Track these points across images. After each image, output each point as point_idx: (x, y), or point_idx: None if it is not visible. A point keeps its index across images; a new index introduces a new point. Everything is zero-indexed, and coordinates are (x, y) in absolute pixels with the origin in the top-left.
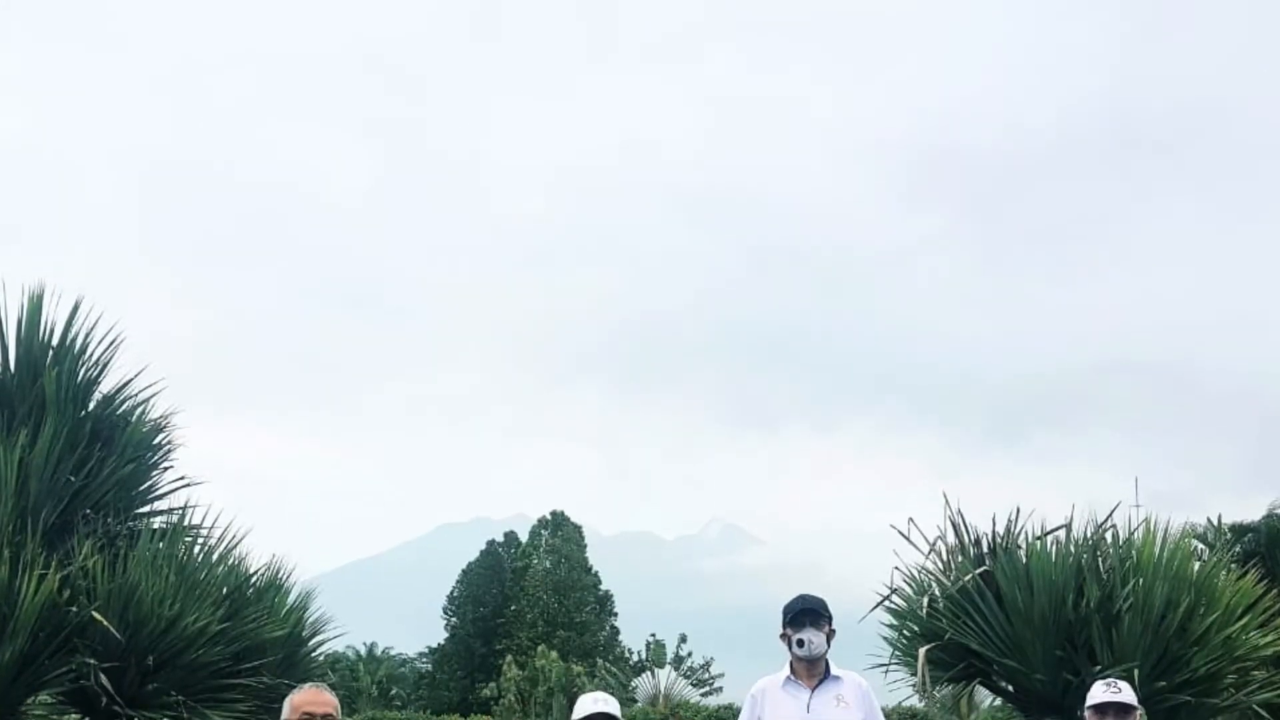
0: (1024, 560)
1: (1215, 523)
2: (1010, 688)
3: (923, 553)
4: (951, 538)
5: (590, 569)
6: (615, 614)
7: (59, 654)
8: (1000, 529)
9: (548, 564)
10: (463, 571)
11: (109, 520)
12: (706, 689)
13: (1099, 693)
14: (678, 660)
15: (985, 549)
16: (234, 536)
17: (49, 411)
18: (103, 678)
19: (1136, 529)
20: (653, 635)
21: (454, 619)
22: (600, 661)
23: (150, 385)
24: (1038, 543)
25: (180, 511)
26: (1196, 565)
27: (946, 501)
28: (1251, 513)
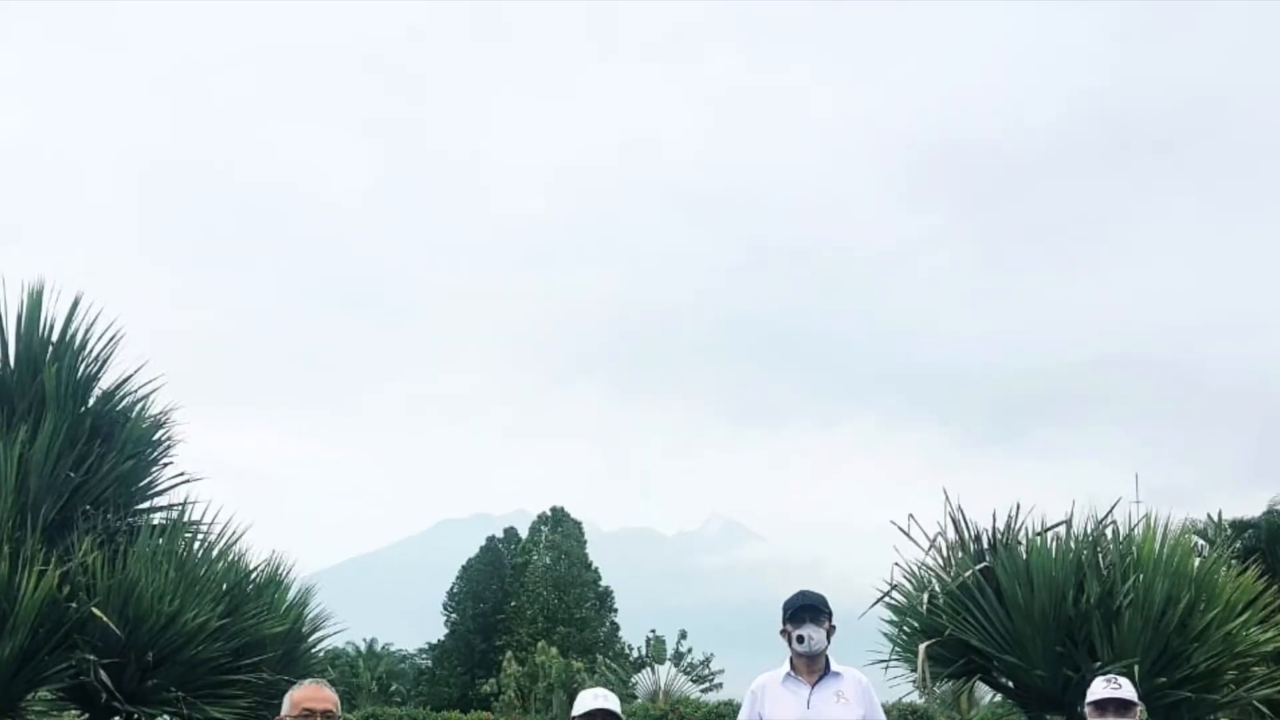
0: (1024, 556)
1: (1215, 519)
2: (1010, 684)
3: (923, 549)
4: (952, 534)
5: (590, 565)
6: (615, 610)
7: (59, 650)
8: (1000, 525)
9: (548, 560)
10: (463, 568)
11: (109, 516)
12: (706, 685)
13: (1099, 689)
14: (678, 656)
15: (985, 545)
16: (234, 533)
17: (49, 407)
18: (102, 673)
19: (1137, 525)
20: (653, 631)
21: (454, 615)
22: (600, 657)
23: (150, 381)
24: (1038, 539)
25: (180, 508)
26: (1197, 561)
27: (947, 497)
28: (1252, 509)
